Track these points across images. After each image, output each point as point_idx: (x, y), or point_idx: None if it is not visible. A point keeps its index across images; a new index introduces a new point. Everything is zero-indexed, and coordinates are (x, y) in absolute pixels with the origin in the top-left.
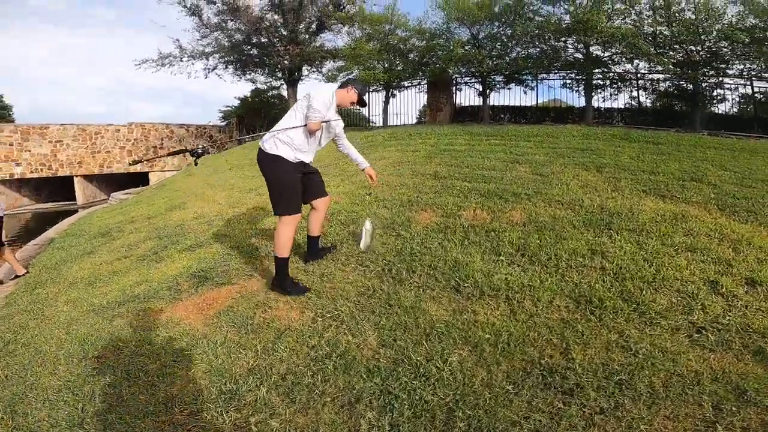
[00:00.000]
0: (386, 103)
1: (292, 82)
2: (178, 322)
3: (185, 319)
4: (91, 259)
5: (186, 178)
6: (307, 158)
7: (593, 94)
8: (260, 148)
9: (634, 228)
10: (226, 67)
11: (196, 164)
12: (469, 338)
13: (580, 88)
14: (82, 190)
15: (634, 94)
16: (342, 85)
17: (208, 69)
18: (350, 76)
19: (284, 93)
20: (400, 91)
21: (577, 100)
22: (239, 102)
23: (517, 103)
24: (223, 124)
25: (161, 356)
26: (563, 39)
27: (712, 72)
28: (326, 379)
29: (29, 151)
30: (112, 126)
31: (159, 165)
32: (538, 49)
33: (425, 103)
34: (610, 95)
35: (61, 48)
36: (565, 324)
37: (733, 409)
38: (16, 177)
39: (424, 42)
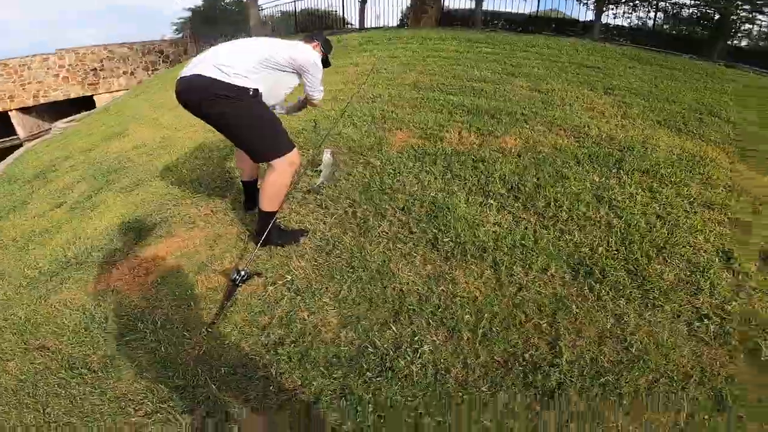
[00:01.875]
0: (363, 2)
1: None
2: (114, 297)
3: (121, 291)
4: (25, 210)
5: (131, 99)
6: None
7: (605, 9)
8: (214, 79)
9: (647, 169)
10: None
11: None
12: (445, 319)
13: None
14: (21, 124)
15: (651, 14)
16: (307, 39)
17: None
18: (316, 32)
19: None
20: None
21: (582, 13)
22: (190, 13)
23: (513, 10)
24: (178, 36)
25: (101, 345)
26: None
27: (747, 5)
28: (280, 372)
29: None
30: (38, 56)
31: (104, 86)
32: None
33: (408, 4)
34: (623, 13)
35: None
36: (558, 302)
37: (705, 418)
38: None
39: None
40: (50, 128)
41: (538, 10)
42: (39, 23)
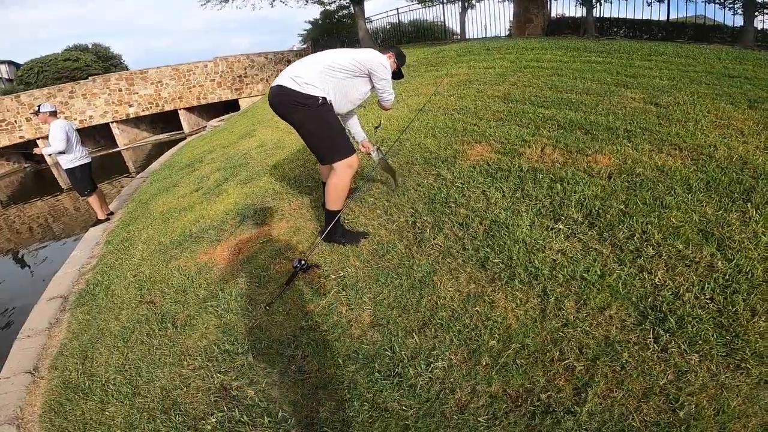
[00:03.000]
0: (463, 12)
1: (358, 0)
2: (212, 268)
3: (218, 264)
4: (174, 191)
5: (263, 104)
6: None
7: (757, 12)
8: (290, 89)
9: None
10: None
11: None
12: (470, 340)
13: (736, 4)
14: (186, 121)
15: None
16: (382, 50)
17: None
18: (393, 46)
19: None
20: (479, 1)
21: (730, 19)
22: (310, 26)
23: (638, 16)
24: (303, 47)
25: (189, 306)
26: None
27: None
28: (305, 355)
29: (137, 93)
30: (200, 63)
31: (246, 91)
32: None
33: (513, 13)
34: None
35: None
36: (607, 347)
37: None
38: (131, 116)
39: None
40: (206, 126)
41: (668, 16)
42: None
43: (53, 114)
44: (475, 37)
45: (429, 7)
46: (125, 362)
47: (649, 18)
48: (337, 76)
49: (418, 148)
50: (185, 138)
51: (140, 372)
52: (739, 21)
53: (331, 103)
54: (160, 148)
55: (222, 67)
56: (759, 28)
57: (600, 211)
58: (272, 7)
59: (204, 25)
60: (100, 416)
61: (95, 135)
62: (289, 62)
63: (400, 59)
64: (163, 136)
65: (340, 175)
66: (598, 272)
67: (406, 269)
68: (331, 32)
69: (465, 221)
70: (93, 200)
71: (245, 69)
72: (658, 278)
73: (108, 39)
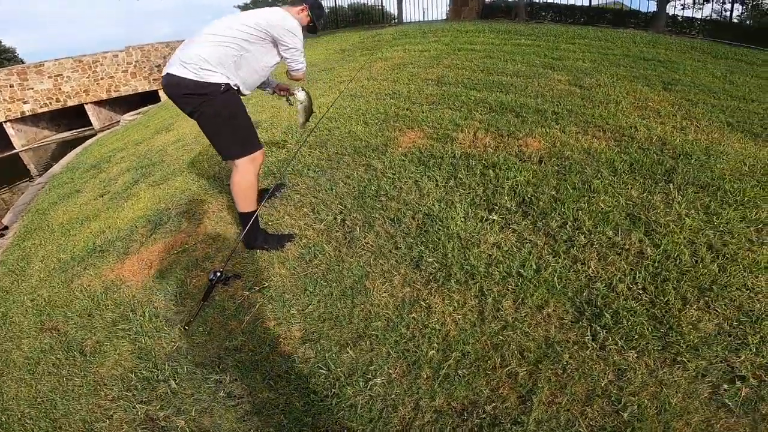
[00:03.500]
0: None
1: None
2: (121, 286)
3: (128, 281)
4: (76, 199)
5: None
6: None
7: None
8: (182, 78)
9: (706, 183)
10: None
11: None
12: (408, 352)
13: None
14: (96, 116)
15: (728, 6)
16: (294, 2)
17: None
18: None
19: None
20: None
21: (645, 4)
22: (239, 10)
23: (564, 1)
24: None
25: (97, 331)
26: None
27: None
28: (234, 379)
29: (32, 89)
30: (109, 53)
31: None
32: None
33: None
34: (693, 2)
35: None
36: (547, 348)
37: None
38: (27, 114)
39: None
40: (119, 120)
41: (590, 1)
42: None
43: None
44: (414, 21)
45: None
46: (36, 395)
47: (573, 3)
48: (240, 51)
49: (348, 136)
50: (95, 135)
51: (55, 405)
52: (653, 7)
53: (237, 87)
54: (64, 148)
55: (136, 57)
56: (670, 14)
57: (533, 198)
58: None
59: (118, 13)
60: None
61: None
62: None
63: (316, 11)
64: (68, 134)
65: (242, 172)
66: (534, 266)
67: (336, 275)
68: None
69: (397, 216)
70: None
71: (164, 58)
72: (592, 269)
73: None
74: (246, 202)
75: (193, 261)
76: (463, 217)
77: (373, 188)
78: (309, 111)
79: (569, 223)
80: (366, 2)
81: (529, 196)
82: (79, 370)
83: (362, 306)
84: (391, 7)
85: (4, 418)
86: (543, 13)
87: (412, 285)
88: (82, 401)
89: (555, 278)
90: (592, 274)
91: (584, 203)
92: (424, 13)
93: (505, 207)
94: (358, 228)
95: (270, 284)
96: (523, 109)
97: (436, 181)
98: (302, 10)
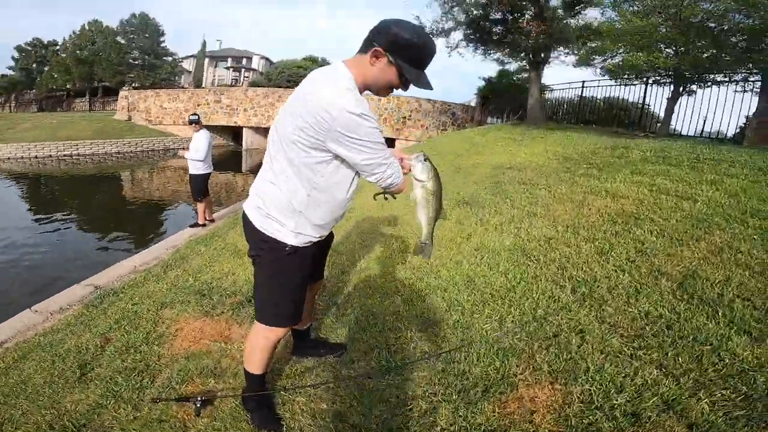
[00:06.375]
0: (672, 100)
1: (536, 64)
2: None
3: (176, 349)
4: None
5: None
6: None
7: None
8: (252, 224)
9: None
10: (467, 45)
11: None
12: None
13: None
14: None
15: None
16: (364, 48)
17: (450, 47)
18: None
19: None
20: (702, 88)
21: None
22: (484, 83)
23: None
24: (474, 104)
25: None
26: None
27: None
28: None
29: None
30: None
31: (405, 133)
32: None
33: (756, 109)
34: None
35: None
36: None
37: None
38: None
39: (756, 20)
40: None
41: None
42: None
43: (199, 123)
44: (685, 131)
45: (625, 85)
46: None
47: None
48: (301, 179)
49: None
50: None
51: None
52: None
53: (305, 246)
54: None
55: (393, 105)
56: None
57: None
58: (449, 56)
59: None
60: None
61: None
62: (453, 114)
63: (405, 52)
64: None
65: (255, 336)
66: None
67: None
68: (501, 94)
69: None
70: (201, 206)
71: (411, 112)
72: None
73: None
74: (251, 362)
75: (208, 368)
76: None
77: None
78: (438, 208)
79: None
80: (626, 98)
81: None
82: None
83: None
84: (658, 107)
85: None
86: None
87: None
88: None
89: None
90: None
91: None
92: (704, 123)
93: None
94: None
95: None
96: None
97: None
98: (374, 58)
